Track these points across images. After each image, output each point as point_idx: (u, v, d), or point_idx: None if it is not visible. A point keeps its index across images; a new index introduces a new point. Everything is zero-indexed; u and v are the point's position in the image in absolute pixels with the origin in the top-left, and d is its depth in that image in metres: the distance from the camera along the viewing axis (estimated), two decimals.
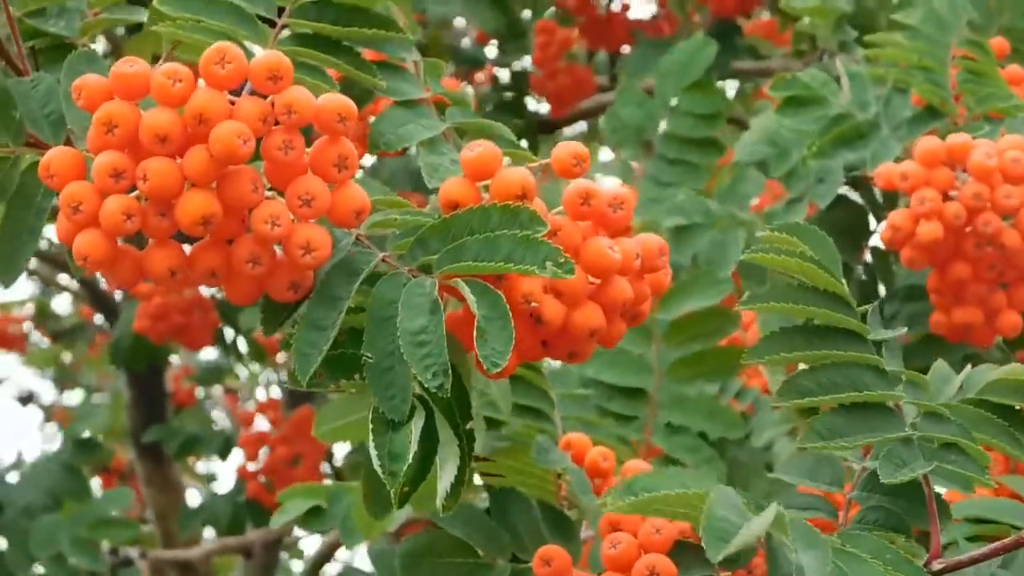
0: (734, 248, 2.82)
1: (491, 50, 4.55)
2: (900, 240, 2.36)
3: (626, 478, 1.61)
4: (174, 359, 5.11)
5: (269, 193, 1.57)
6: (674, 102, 3.36)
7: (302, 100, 1.52)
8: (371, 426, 1.57)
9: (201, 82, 1.54)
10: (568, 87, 4.28)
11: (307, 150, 1.56)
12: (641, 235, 1.72)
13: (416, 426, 1.58)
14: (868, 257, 2.65)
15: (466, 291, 1.53)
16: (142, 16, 1.83)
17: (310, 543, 5.79)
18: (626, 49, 4.40)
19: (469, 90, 1.86)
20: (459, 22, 4.81)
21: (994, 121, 2.54)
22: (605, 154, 5.35)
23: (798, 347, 1.72)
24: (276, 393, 5.71)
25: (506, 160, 1.74)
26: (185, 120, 1.51)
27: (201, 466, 6.83)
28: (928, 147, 2.35)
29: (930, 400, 1.78)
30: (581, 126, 5.30)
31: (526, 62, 4.42)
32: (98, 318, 5.58)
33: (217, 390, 6.19)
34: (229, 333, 4.48)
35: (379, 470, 1.56)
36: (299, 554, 6.24)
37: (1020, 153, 2.31)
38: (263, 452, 4.30)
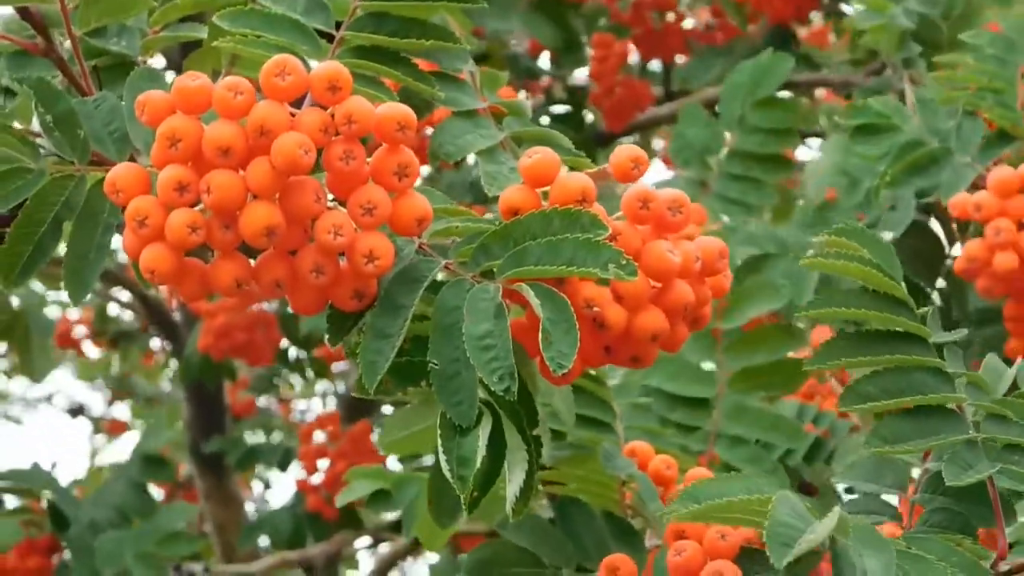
0: (811, 277, 2.81)
1: (545, 62, 4.56)
2: (975, 270, 2.37)
3: (688, 486, 1.60)
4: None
5: (331, 203, 1.59)
6: (743, 117, 3.34)
7: (362, 110, 1.54)
8: (439, 431, 1.58)
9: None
10: (625, 101, 4.28)
11: (368, 159, 1.57)
12: (701, 238, 1.73)
13: (484, 431, 1.59)
14: (942, 282, 2.65)
15: (530, 295, 1.54)
16: (202, 32, 1.86)
17: (367, 559, 5.82)
18: (680, 60, 4.41)
19: (526, 100, 1.87)
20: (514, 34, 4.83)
21: None
22: (658, 167, 5.37)
23: (859, 352, 1.72)
24: (332, 405, 5.75)
25: (564, 168, 1.75)
26: (247, 132, 1.53)
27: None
28: (1002, 177, 2.36)
29: (992, 392, 1.77)
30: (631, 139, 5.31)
31: (581, 75, 4.43)
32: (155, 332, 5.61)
33: (272, 402, 6.23)
34: (292, 350, 4.52)
35: (448, 475, 1.57)
36: (354, 564, 6.25)
37: None
38: (323, 465, 4.32)
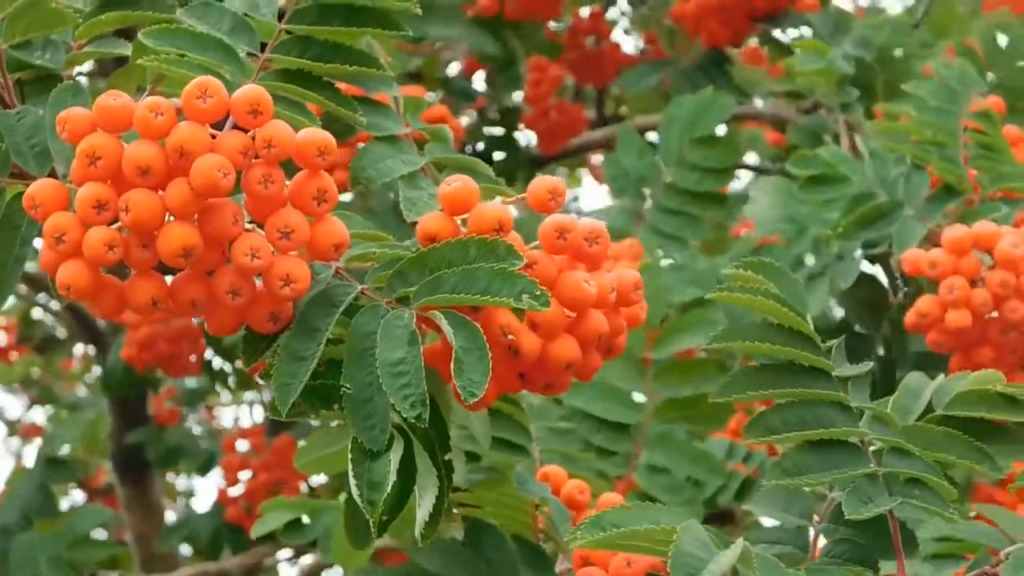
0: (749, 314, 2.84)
1: (480, 83, 4.58)
2: (927, 325, 2.41)
3: (595, 513, 1.62)
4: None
5: (250, 226, 1.60)
6: (681, 153, 3.36)
7: (282, 134, 1.55)
8: (350, 455, 1.59)
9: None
10: (560, 125, 4.31)
11: (287, 183, 1.59)
12: (618, 269, 1.75)
13: (395, 456, 1.61)
14: (887, 329, 2.69)
15: (444, 323, 1.56)
16: (127, 49, 1.86)
17: (287, 571, 5.79)
18: (615, 90, 4.44)
19: (448, 128, 1.89)
20: (449, 55, 4.84)
21: (1009, 201, 2.58)
22: (589, 185, 5.39)
23: (764, 386, 1.75)
24: (260, 415, 5.73)
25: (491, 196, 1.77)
26: (167, 153, 1.54)
27: (181, 483, 6.85)
28: (956, 236, 2.41)
29: (897, 427, 1.80)
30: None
31: (517, 97, 4.45)
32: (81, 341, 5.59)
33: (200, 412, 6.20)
34: (216, 361, 4.50)
35: (358, 499, 1.58)
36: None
37: None
38: (244, 477, 4.31)
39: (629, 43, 4.61)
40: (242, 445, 4.49)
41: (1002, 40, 3.09)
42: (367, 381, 1.58)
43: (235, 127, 1.57)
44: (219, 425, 6.28)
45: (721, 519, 3.50)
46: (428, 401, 1.54)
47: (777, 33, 4.07)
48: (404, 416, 1.54)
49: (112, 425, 4.74)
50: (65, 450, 5.72)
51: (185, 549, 4.79)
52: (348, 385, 1.58)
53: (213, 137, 1.56)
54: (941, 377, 1.90)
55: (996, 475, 1.79)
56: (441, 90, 4.41)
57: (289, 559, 5.36)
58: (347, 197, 3.88)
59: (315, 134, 1.58)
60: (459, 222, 1.68)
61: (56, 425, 6.08)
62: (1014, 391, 1.83)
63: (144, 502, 4.76)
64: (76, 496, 6.16)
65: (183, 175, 1.54)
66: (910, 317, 2.41)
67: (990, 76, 3.08)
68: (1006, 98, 2.95)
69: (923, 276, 2.42)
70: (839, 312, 2.81)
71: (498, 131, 4.39)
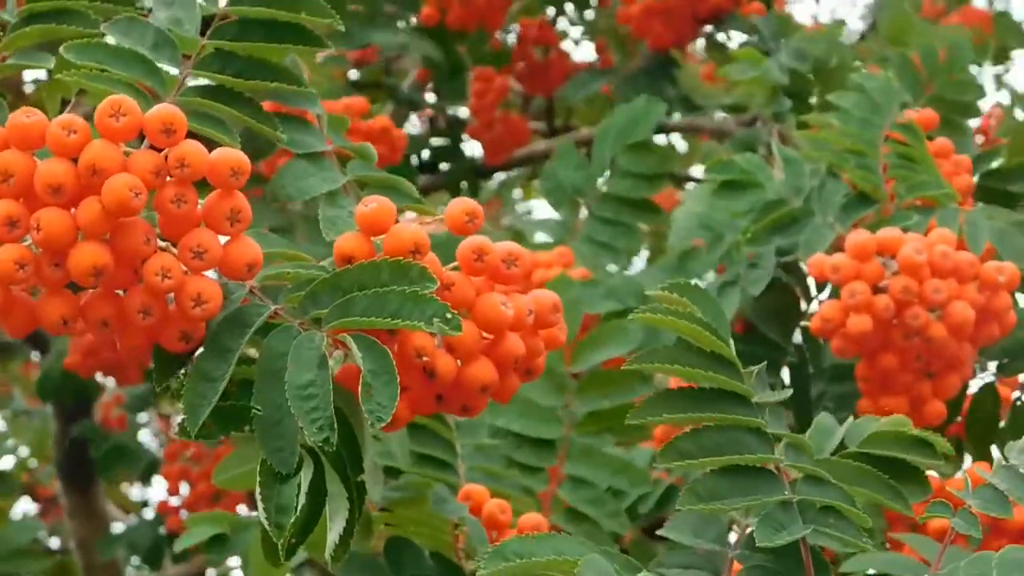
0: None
1: (430, 94, 4.57)
2: (830, 331, 2.41)
3: (498, 543, 1.62)
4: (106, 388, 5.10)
5: (163, 245, 1.59)
6: (614, 161, 3.38)
7: (195, 154, 1.54)
8: (259, 479, 1.59)
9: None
10: (503, 136, 4.31)
11: (201, 203, 1.58)
12: (535, 291, 1.75)
13: (305, 478, 1.60)
14: (799, 338, 2.68)
15: (353, 346, 1.56)
16: (49, 63, 1.85)
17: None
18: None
19: (371, 146, 1.88)
20: (401, 65, 4.84)
21: (925, 209, 2.59)
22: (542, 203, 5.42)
23: (681, 409, 1.75)
24: None
25: (410, 214, 1.77)
26: (79, 171, 1.53)
27: (136, 493, 6.80)
28: (859, 241, 2.40)
29: (812, 456, 1.81)
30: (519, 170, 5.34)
31: (463, 108, 4.45)
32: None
33: (150, 415, 6.16)
34: None
35: (266, 523, 1.58)
36: None
37: (948, 248, 2.37)
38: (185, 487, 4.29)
39: (579, 53, 4.62)
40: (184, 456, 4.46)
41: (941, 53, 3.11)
42: (277, 403, 1.57)
43: (149, 146, 1.57)
44: (174, 434, 6.22)
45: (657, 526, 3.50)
46: (336, 425, 1.54)
47: (722, 37, 4.09)
48: (311, 440, 1.54)
49: (56, 431, 4.72)
50: (10, 459, 5.69)
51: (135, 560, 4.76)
52: (259, 407, 1.58)
53: (127, 156, 1.55)
54: (852, 419, 1.91)
55: (907, 513, 1.80)
56: (390, 100, 4.40)
57: (234, 569, 5.36)
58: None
59: (229, 154, 1.57)
60: (376, 243, 1.68)
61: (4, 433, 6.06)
62: (926, 435, 1.84)
63: (88, 510, 4.73)
64: (27, 506, 6.13)
65: (95, 194, 1.53)
66: (814, 322, 2.42)
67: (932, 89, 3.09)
68: (943, 111, 2.97)
69: (827, 281, 2.42)
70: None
71: (444, 141, 4.39)
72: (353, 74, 4.45)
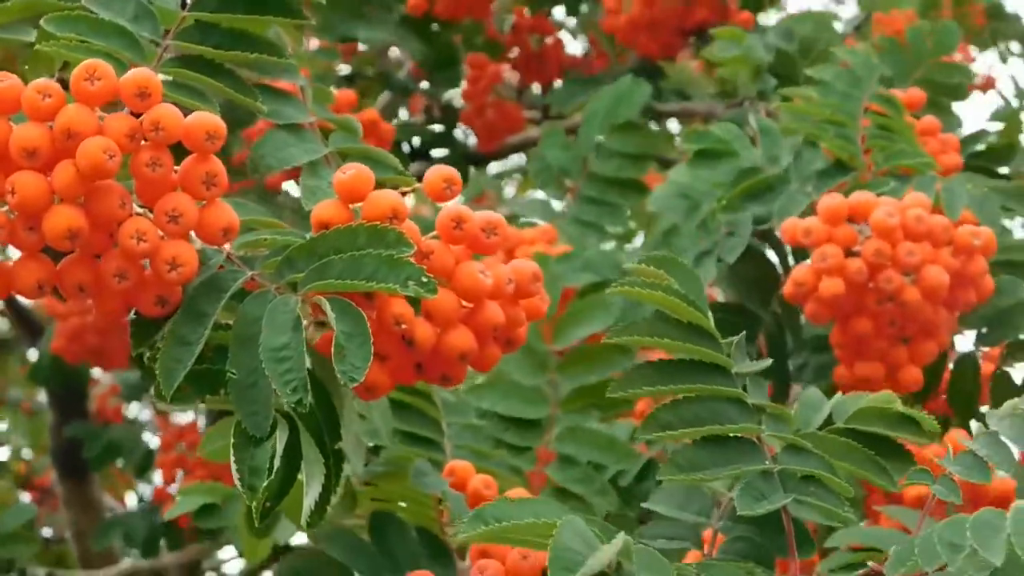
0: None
1: (425, 83, 4.57)
2: (803, 295, 2.40)
3: (478, 507, 1.62)
4: (102, 379, 5.10)
5: (139, 210, 1.59)
6: (600, 142, 3.39)
7: (170, 117, 1.54)
8: (233, 441, 1.59)
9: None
10: (497, 122, 4.30)
11: (176, 168, 1.58)
12: (516, 261, 1.74)
13: (280, 442, 1.60)
14: (777, 308, 2.67)
15: (327, 308, 1.55)
16: (31, 36, 1.84)
17: (233, 566, 5.77)
18: (559, 83, 4.43)
19: (355, 119, 1.89)
20: (397, 53, 4.83)
21: (903, 177, 2.57)
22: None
23: (661, 381, 1.75)
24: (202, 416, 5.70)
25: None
26: (54, 135, 1.53)
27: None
28: (831, 204, 2.38)
29: (797, 430, 1.80)
30: (516, 159, 5.34)
31: (456, 94, 4.44)
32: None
33: (148, 413, 6.16)
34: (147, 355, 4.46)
35: (239, 484, 1.58)
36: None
37: (922, 211, 2.35)
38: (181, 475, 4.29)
39: (575, 44, 4.61)
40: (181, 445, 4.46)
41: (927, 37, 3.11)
42: (252, 366, 1.57)
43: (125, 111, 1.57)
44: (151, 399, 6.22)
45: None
46: (311, 387, 1.53)
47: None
48: (285, 401, 1.54)
49: (52, 421, 4.71)
50: (6, 450, 5.69)
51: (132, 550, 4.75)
52: (234, 370, 1.57)
53: (101, 120, 1.55)
54: (839, 395, 1.90)
55: (892, 488, 1.79)
56: (384, 89, 4.39)
57: (232, 559, 5.36)
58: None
59: (204, 118, 1.57)
60: (354, 211, 1.68)
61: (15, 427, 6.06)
62: (913, 413, 1.84)
63: (83, 499, 4.72)
64: (23, 497, 6.12)
65: (70, 157, 1.53)
66: (788, 287, 2.40)
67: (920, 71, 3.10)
68: (930, 92, 2.97)
69: (799, 245, 2.41)
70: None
71: (437, 128, 4.38)
72: (345, 68, 4.44)
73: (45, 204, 1.54)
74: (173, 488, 4.31)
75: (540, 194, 4.44)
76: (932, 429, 1.85)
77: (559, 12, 4.56)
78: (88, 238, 1.55)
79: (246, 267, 1.64)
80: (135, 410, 5.92)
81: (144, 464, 4.62)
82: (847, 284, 2.34)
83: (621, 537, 1.52)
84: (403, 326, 1.62)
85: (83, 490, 4.73)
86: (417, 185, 1.73)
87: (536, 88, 4.58)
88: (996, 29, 4.39)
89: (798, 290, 2.39)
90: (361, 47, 4.44)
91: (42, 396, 6.53)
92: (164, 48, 1.80)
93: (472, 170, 4.54)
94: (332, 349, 1.56)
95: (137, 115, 1.56)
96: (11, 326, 5.60)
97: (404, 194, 1.69)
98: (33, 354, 5.56)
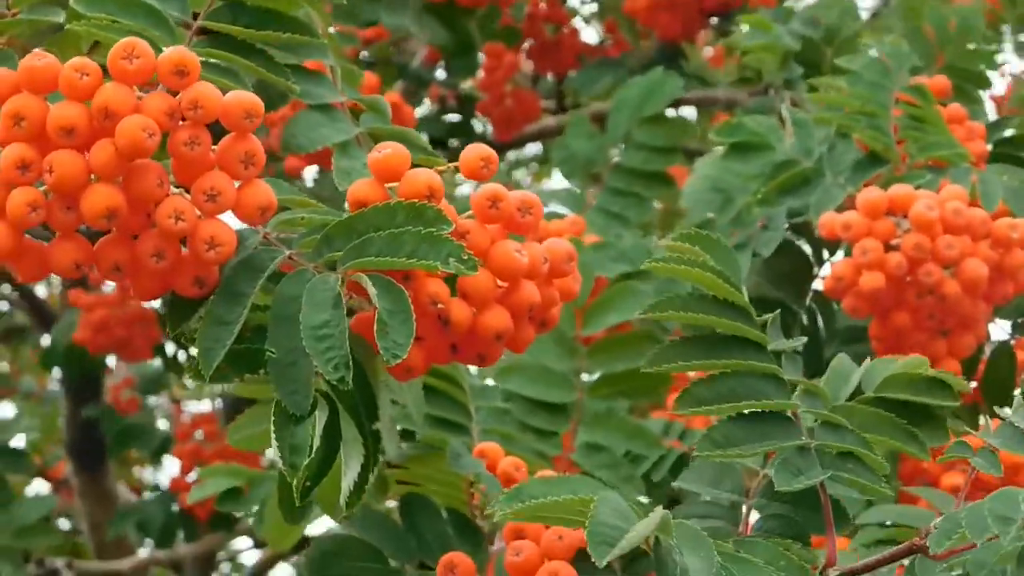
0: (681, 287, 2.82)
1: (440, 72, 4.57)
2: (842, 289, 2.40)
3: (514, 486, 1.61)
4: (117, 370, 5.09)
5: (176, 189, 1.58)
6: (629, 133, 3.38)
7: (208, 96, 1.54)
8: (273, 419, 1.59)
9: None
10: (514, 112, 4.30)
11: (214, 147, 1.58)
12: (550, 240, 1.74)
13: (319, 421, 1.60)
14: (811, 300, 2.67)
15: (369, 285, 1.55)
16: (60, 17, 1.84)
17: (249, 557, 5.77)
18: (573, 73, 4.43)
19: (385, 100, 1.89)
20: (411, 43, 4.83)
21: (936, 169, 2.57)
22: (557, 177, 5.41)
23: (696, 356, 1.74)
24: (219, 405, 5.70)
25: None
26: (92, 114, 1.53)
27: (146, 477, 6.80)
28: (870, 198, 2.38)
29: (829, 400, 1.80)
30: (532, 148, 5.34)
31: (472, 83, 4.44)
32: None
33: (163, 400, 6.17)
34: (170, 347, 4.47)
35: (280, 463, 1.58)
36: (238, 567, 6.22)
37: (961, 204, 2.36)
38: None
39: (589, 32, 4.60)
40: (197, 434, 4.46)
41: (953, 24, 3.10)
42: (291, 345, 1.56)
43: (162, 89, 1.56)
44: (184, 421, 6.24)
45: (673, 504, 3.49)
46: (351, 364, 1.53)
47: (732, 28, 4.08)
48: (327, 379, 1.53)
49: (67, 411, 4.72)
50: (22, 439, 5.68)
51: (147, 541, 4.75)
52: (272, 349, 1.57)
53: (140, 99, 1.54)
54: (869, 361, 1.89)
55: (923, 457, 1.79)
56: (400, 78, 4.39)
57: (250, 547, 5.36)
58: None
59: (242, 96, 1.57)
60: (390, 189, 1.68)
61: (14, 416, 6.05)
62: (943, 375, 1.83)
63: (98, 490, 4.73)
64: (40, 486, 6.12)
65: (108, 136, 1.53)
66: (827, 282, 2.40)
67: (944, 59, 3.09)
68: (955, 80, 2.95)
69: (838, 239, 2.41)
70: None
71: (455, 117, 4.38)
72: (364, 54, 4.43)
73: (82, 183, 1.54)
74: (191, 477, 4.30)
75: (556, 183, 4.43)
76: (963, 390, 1.85)
77: (574, 0, 4.56)
78: (125, 218, 1.55)
79: (283, 247, 1.64)
80: (151, 400, 5.92)
81: (160, 449, 4.62)
82: (887, 278, 2.34)
83: (659, 512, 1.52)
84: (440, 306, 1.62)
85: (98, 481, 4.74)
86: (450, 165, 1.73)
87: (550, 77, 4.58)
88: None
89: (837, 284, 2.39)
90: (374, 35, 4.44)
91: (54, 385, 6.55)
92: (194, 28, 1.79)
93: None
94: (374, 327, 1.56)
95: (174, 93, 1.56)
96: (27, 315, 5.60)
97: (439, 173, 1.69)
98: (46, 340, 5.58)
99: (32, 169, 1.54)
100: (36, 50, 1.58)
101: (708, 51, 4.98)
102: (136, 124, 1.51)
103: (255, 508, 2.68)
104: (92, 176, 1.54)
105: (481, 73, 4.27)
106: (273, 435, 1.56)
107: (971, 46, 3.08)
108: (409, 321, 1.52)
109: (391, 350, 1.51)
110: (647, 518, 1.50)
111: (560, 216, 3.26)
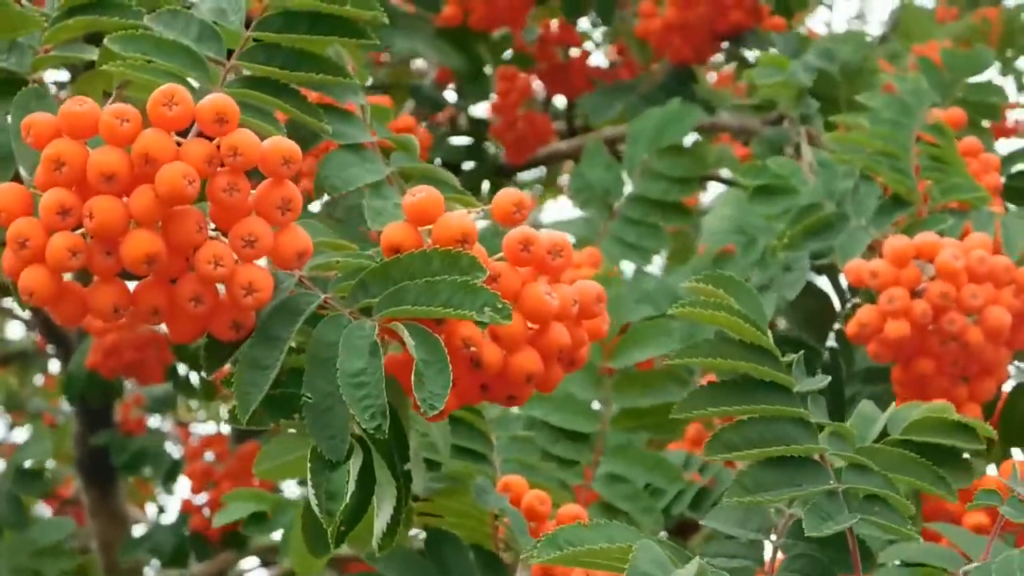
0: (707, 328, 2.83)
1: (451, 93, 4.58)
2: (867, 336, 2.40)
3: (551, 531, 1.62)
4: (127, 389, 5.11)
5: (213, 234, 1.60)
6: (647, 163, 3.39)
7: (248, 143, 1.55)
8: (310, 465, 1.60)
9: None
10: (527, 135, 4.31)
11: (252, 192, 1.59)
12: (579, 282, 1.75)
13: (354, 466, 1.61)
14: (832, 341, 2.68)
15: (405, 335, 1.56)
16: (93, 54, 1.85)
17: None
18: (586, 95, 4.44)
19: (415, 138, 1.90)
20: (420, 64, 4.84)
21: (958, 212, 2.58)
22: (562, 202, 5.43)
23: (724, 401, 1.76)
24: (226, 427, 5.70)
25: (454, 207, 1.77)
26: (132, 160, 1.54)
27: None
28: (897, 246, 2.39)
29: (855, 443, 1.81)
30: (537, 171, 5.34)
31: (485, 106, 4.45)
32: (50, 349, 5.55)
33: (169, 424, 6.17)
34: (182, 369, 4.48)
35: (316, 509, 1.59)
36: None
37: (985, 253, 2.37)
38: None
39: (598, 55, 4.61)
40: (207, 455, 4.47)
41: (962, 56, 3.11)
42: (328, 391, 1.58)
43: (200, 135, 1.58)
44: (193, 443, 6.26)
45: (683, 529, 3.51)
46: (388, 412, 1.54)
47: (744, 51, 4.09)
48: (364, 427, 1.55)
49: (77, 430, 4.72)
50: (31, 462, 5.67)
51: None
52: (309, 394, 1.58)
53: (178, 145, 1.56)
54: (893, 406, 1.91)
55: (951, 499, 1.80)
56: (411, 100, 4.41)
57: (259, 566, 5.36)
58: (315, 207, 3.89)
59: (280, 143, 1.58)
60: (423, 233, 1.69)
61: (30, 437, 6.05)
62: (968, 421, 1.85)
63: (109, 509, 4.73)
64: (41, 510, 6.11)
65: (148, 182, 1.54)
66: (851, 327, 2.41)
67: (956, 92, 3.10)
68: (966, 113, 2.97)
69: (865, 286, 2.42)
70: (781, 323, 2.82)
71: (466, 140, 4.40)
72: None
73: (122, 229, 1.55)
74: (201, 499, 4.31)
75: (561, 207, 4.43)
76: (988, 435, 1.86)
77: (584, 23, 4.57)
78: (165, 263, 1.56)
79: (318, 290, 1.65)
80: (155, 421, 5.92)
81: (171, 473, 4.62)
82: (912, 326, 2.35)
83: (696, 562, 1.53)
84: (472, 348, 1.64)
85: (108, 500, 4.74)
86: (483, 208, 1.74)
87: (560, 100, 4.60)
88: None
89: (862, 331, 2.40)
90: (385, 58, 4.46)
91: (64, 406, 6.56)
92: (228, 68, 1.81)
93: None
94: (404, 371, 1.57)
95: (211, 139, 1.57)
96: (38, 340, 5.60)
97: (471, 215, 1.70)
98: (55, 365, 5.58)
99: (72, 214, 1.55)
100: (76, 95, 1.59)
101: (713, 76, 5.00)
102: (177, 171, 1.53)
103: (279, 532, 2.69)
104: (131, 222, 1.55)
105: (494, 96, 4.28)
106: (310, 481, 1.58)
107: (976, 79, 3.09)
108: (446, 371, 1.54)
109: (428, 400, 1.52)
110: (684, 568, 1.51)
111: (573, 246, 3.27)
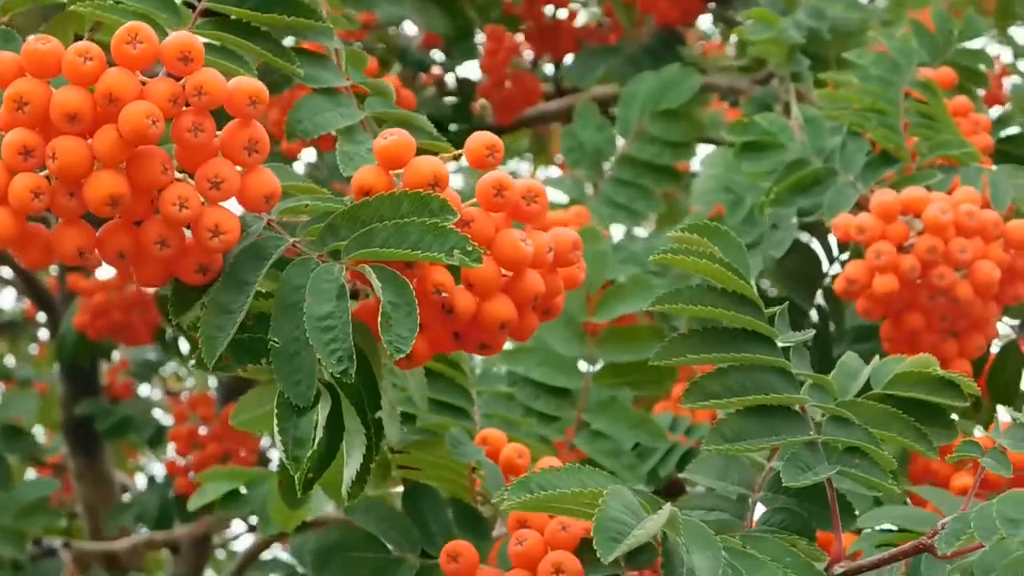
0: (692, 282, 2.80)
1: (438, 54, 4.54)
2: (855, 292, 2.39)
3: (523, 476, 1.60)
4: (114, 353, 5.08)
5: (180, 175, 1.57)
6: (641, 126, 3.36)
7: (213, 82, 1.52)
8: (276, 410, 1.57)
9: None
10: (515, 95, 4.26)
11: (218, 133, 1.56)
12: (555, 229, 1.72)
13: (322, 412, 1.58)
14: (820, 300, 2.66)
15: (372, 277, 1.53)
16: None
17: (242, 541, 5.76)
18: (570, 57, 4.40)
19: (390, 84, 1.86)
20: (406, 26, 4.80)
21: (947, 168, 2.56)
22: (553, 171, 5.39)
23: (705, 349, 1.73)
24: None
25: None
26: (96, 99, 1.51)
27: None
28: (884, 201, 2.37)
29: (837, 397, 1.79)
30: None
31: (472, 67, 4.41)
32: (40, 317, 5.52)
33: (158, 392, 6.15)
34: (170, 331, 4.46)
35: (283, 455, 1.56)
36: (230, 553, 6.21)
37: (974, 207, 2.35)
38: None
39: (583, 15, 4.56)
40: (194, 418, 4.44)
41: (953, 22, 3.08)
42: (294, 335, 1.55)
43: (166, 75, 1.55)
44: (191, 366, 6.22)
45: (672, 491, 3.49)
46: (355, 357, 1.51)
47: (731, 13, 4.05)
48: (330, 371, 1.52)
49: (63, 394, 4.70)
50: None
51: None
52: (276, 339, 1.55)
53: (143, 84, 1.53)
54: (877, 359, 1.88)
55: (931, 455, 1.78)
56: (398, 62, 4.36)
57: (247, 531, 5.34)
58: (299, 168, 3.86)
59: (246, 82, 1.55)
60: (395, 176, 1.66)
61: (11, 395, 6.02)
62: (952, 376, 1.82)
63: (95, 472, 4.71)
64: (29, 476, 6.10)
65: (112, 122, 1.51)
66: (839, 283, 2.39)
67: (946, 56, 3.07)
68: (956, 74, 2.94)
69: (852, 241, 2.40)
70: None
71: (453, 100, 4.35)
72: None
73: (86, 169, 1.52)
74: (184, 461, 4.28)
75: (555, 171, 4.40)
76: (972, 392, 1.83)
77: None
78: (129, 204, 1.53)
79: (287, 234, 1.62)
80: (145, 390, 5.90)
81: (156, 438, 4.60)
82: (900, 281, 2.32)
83: (668, 508, 1.51)
84: (444, 295, 1.61)
85: (94, 464, 4.72)
86: (455, 152, 1.71)
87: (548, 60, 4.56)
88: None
89: (850, 287, 2.38)
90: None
91: (56, 371, 6.54)
92: (199, 9, 1.77)
93: None
94: (378, 319, 1.54)
95: (177, 79, 1.54)
96: (28, 308, 5.57)
97: (444, 160, 1.67)
98: (44, 333, 5.55)
99: (35, 155, 1.53)
100: (38, 34, 1.56)
101: (700, 46, 4.95)
102: (140, 110, 1.50)
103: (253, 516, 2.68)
104: (95, 162, 1.52)
105: (483, 55, 4.23)
106: (276, 427, 1.55)
107: (967, 45, 3.06)
108: (413, 314, 1.51)
109: (395, 343, 1.49)
110: (656, 515, 1.49)
111: (562, 206, 3.24)
